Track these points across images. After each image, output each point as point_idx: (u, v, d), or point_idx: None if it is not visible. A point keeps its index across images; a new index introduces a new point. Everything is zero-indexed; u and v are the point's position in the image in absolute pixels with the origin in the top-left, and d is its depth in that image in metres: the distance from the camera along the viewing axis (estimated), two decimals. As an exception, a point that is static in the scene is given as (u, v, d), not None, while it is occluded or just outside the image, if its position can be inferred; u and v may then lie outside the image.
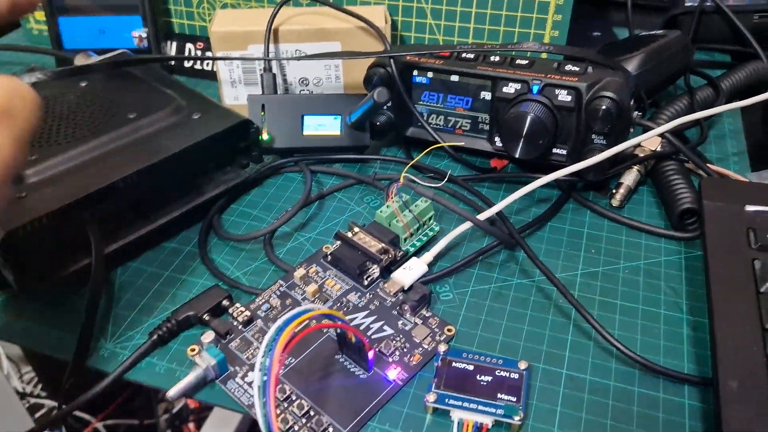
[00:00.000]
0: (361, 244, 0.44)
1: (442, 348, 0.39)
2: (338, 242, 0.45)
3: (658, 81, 0.59)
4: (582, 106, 0.47)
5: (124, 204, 0.46)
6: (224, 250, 0.48)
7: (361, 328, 0.40)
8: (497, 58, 0.51)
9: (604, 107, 0.45)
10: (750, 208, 0.42)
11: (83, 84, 0.53)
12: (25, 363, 0.98)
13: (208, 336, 0.39)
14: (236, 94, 0.60)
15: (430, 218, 0.47)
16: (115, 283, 0.45)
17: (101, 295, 0.41)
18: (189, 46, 0.69)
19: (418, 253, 0.46)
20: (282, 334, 0.32)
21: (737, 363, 0.34)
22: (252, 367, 0.38)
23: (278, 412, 0.36)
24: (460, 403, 0.36)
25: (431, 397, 0.36)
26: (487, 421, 0.35)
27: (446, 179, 0.49)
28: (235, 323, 0.41)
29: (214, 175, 0.51)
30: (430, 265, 0.44)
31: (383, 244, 0.44)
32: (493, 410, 0.35)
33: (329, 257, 0.45)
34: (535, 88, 0.48)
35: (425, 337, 0.40)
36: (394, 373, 0.38)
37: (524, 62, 0.50)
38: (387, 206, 0.46)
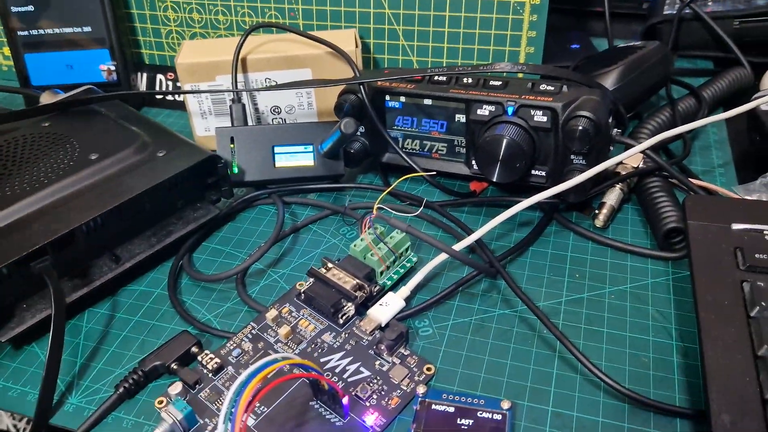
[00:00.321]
0: (335, 281, 0.42)
1: (421, 390, 0.37)
2: (311, 280, 0.43)
3: (638, 93, 0.58)
4: (559, 127, 0.45)
5: (88, 248, 0.44)
6: (195, 291, 0.46)
7: (337, 370, 0.39)
8: (470, 80, 0.49)
9: (581, 127, 0.44)
10: (737, 226, 0.41)
11: (46, 124, 0.51)
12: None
13: (176, 387, 0.37)
14: (207, 125, 0.59)
15: (406, 249, 0.45)
16: (81, 331, 0.43)
17: (62, 348, 0.40)
18: (160, 77, 0.67)
19: (395, 286, 0.44)
20: (244, 391, 0.30)
21: (729, 395, 0.33)
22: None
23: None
24: (440, 450, 0.34)
25: (410, 445, 0.34)
26: (470, 468, 0.33)
27: (422, 206, 0.47)
28: (204, 371, 0.39)
29: (184, 213, 0.49)
30: (408, 299, 0.42)
31: (358, 280, 0.42)
32: (476, 456, 0.33)
33: (302, 296, 0.43)
34: (510, 110, 0.46)
35: (403, 378, 0.38)
36: (371, 419, 0.36)
37: (498, 83, 0.48)
38: (361, 239, 0.44)
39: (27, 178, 0.45)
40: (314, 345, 0.40)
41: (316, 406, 0.37)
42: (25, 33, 0.64)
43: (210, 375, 0.39)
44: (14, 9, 0.63)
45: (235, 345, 0.41)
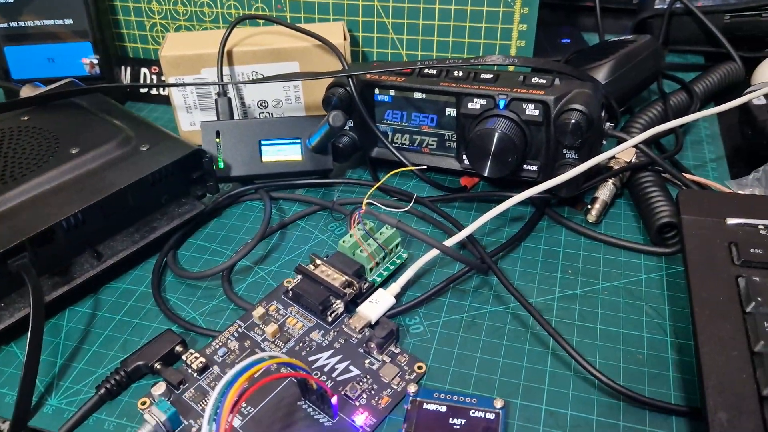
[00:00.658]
0: (323, 278, 0.41)
1: (412, 389, 0.36)
2: (299, 276, 0.42)
3: (629, 87, 0.57)
4: (551, 120, 0.45)
5: (69, 245, 0.43)
6: (180, 289, 0.45)
7: (326, 369, 0.38)
8: (461, 73, 0.48)
9: (573, 120, 0.43)
10: (731, 221, 0.40)
11: (25, 118, 0.50)
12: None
13: (159, 387, 0.36)
14: (192, 119, 0.57)
15: (396, 245, 0.44)
16: (62, 330, 0.42)
17: (41, 348, 0.38)
18: (144, 70, 0.66)
19: (385, 283, 0.43)
20: (230, 391, 0.29)
21: (726, 392, 0.32)
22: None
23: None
24: (432, 451, 0.33)
25: (401, 445, 0.33)
26: (462, 468, 0.32)
27: (413, 202, 0.46)
28: (189, 371, 0.38)
29: (168, 209, 0.48)
30: (398, 296, 0.41)
31: (347, 277, 0.41)
32: (468, 456, 0.33)
33: (290, 293, 0.42)
34: (502, 103, 0.46)
35: (394, 377, 0.37)
36: (361, 419, 0.35)
37: (489, 76, 0.47)
38: (350, 235, 0.43)
39: (5, 172, 0.44)
40: (302, 343, 0.39)
41: (305, 406, 0.36)
42: (5, 25, 0.62)
43: (195, 375, 0.38)
44: (-7, 0, 0.61)
45: (220, 344, 0.40)
